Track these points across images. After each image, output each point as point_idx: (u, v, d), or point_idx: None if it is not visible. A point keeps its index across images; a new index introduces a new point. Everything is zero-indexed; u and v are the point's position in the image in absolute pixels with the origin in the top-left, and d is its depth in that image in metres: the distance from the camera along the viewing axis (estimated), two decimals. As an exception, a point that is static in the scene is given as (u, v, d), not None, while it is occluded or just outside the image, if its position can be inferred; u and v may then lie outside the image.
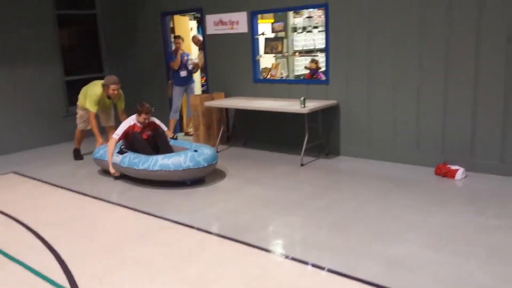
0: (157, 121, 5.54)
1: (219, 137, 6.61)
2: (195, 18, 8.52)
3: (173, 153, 4.97)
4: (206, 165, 4.86)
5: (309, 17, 6.82)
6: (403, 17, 5.09)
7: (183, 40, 7.25)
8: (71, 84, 7.74)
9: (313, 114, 5.68)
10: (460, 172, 4.80)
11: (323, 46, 6.20)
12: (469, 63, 4.75)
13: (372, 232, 3.61)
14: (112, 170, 5.28)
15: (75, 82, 7.70)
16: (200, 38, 7.54)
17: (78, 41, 8.15)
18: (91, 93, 5.94)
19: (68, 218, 4.28)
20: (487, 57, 4.64)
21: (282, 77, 6.79)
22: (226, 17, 6.66)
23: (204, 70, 7.32)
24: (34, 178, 5.63)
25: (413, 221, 3.77)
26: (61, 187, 5.23)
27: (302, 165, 5.57)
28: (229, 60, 6.79)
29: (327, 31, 5.76)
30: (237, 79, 6.78)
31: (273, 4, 6.20)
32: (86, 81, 6.61)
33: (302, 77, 6.85)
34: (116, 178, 5.34)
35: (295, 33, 7.05)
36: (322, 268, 3.07)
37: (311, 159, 5.77)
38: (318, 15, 7.08)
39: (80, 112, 6.26)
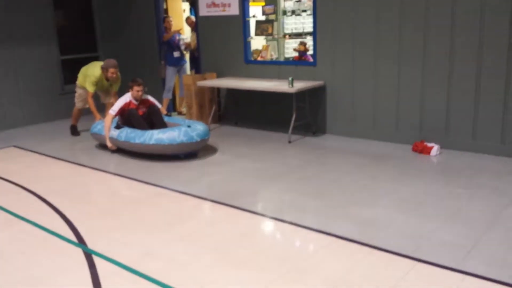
0: (152, 99, 5.83)
1: (211, 116, 6.93)
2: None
3: (167, 128, 5.28)
4: (198, 140, 5.17)
5: (298, 0, 7.09)
6: (384, 3, 5.40)
7: (172, 19, 7.51)
8: (66, 63, 7.98)
9: (301, 94, 6.01)
10: (435, 149, 5.18)
11: (311, 29, 6.49)
12: (444, 47, 5.09)
13: (349, 198, 4.00)
14: (109, 144, 5.58)
15: (70, 61, 7.95)
16: (193, 19, 7.79)
17: (73, 22, 8.34)
18: (91, 74, 6.23)
19: (69, 186, 4.60)
20: (460, 42, 4.99)
21: (272, 59, 7.09)
22: (218, -1, 6.91)
23: (197, 51, 7.58)
24: (34, 151, 5.93)
25: (387, 189, 4.16)
26: (61, 159, 5.53)
27: (289, 142, 5.91)
28: (221, 41, 7.07)
29: (314, 15, 6.06)
30: (229, 60, 7.06)
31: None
32: (81, 60, 6.85)
33: (291, 59, 7.16)
34: (113, 151, 5.65)
35: (285, 16, 7.32)
36: (302, 226, 3.45)
37: (299, 137, 6.12)
38: (307, -1, 7.34)
39: (79, 91, 6.54)
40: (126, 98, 5.60)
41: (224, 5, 6.86)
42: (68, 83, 7.89)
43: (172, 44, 7.40)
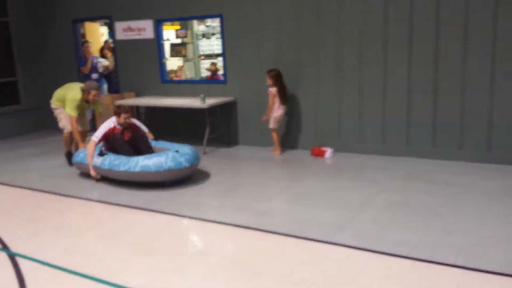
0: (138, 123, 5.65)
1: (131, 133, 7.30)
2: (106, 24, 9.11)
3: (154, 154, 4.98)
4: (187, 165, 4.88)
5: (208, 25, 7.77)
6: (283, 29, 6.23)
7: (91, 44, 7.85)
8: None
9: (213, 109, 6.63)
10: (329, 152, 6.02)
11: (221, 51, 7.18)
12: (334, 64, 5.99)
13: (251, 195, 4.64)
14: (93, 173, 5.28)
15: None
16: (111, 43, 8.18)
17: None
18: (71, 98, 5.93)
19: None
20: (346, 56, 5.92)
21: (187, 78, 7.67)
22: (134, 24, 7.40)
23: (115, 72, 7.97)
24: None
25: (283, 186, 4.87)
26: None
27: (204, 153, 6.48)
28: (138, 63, 7.54)
29: (222, 38, 6.76)
30: (147, 80, 7.54)
31: (176, 13, 7.08)
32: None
33: (204, 78, 7.79)
34: (98, 180, 5.31)
35: (197, 39, 7.96)
36: (207, 220, 4.02)
37: (213, 148, 6.71)
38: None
39: (57, 111, 6.26)
40: (110, 123, 5.29)
41: (139, 29, 7.36)
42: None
43: (90, 67, 7.73)
